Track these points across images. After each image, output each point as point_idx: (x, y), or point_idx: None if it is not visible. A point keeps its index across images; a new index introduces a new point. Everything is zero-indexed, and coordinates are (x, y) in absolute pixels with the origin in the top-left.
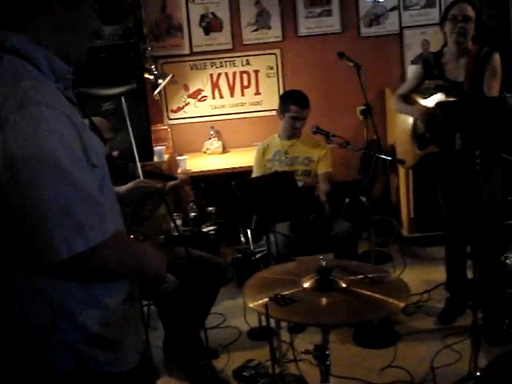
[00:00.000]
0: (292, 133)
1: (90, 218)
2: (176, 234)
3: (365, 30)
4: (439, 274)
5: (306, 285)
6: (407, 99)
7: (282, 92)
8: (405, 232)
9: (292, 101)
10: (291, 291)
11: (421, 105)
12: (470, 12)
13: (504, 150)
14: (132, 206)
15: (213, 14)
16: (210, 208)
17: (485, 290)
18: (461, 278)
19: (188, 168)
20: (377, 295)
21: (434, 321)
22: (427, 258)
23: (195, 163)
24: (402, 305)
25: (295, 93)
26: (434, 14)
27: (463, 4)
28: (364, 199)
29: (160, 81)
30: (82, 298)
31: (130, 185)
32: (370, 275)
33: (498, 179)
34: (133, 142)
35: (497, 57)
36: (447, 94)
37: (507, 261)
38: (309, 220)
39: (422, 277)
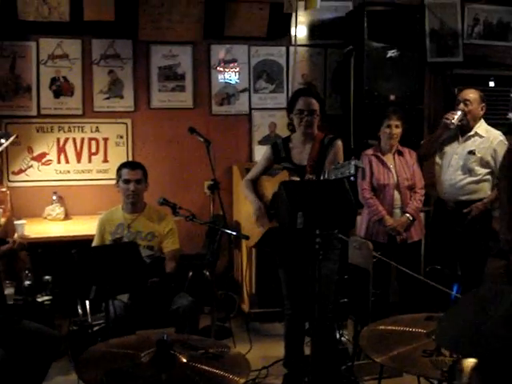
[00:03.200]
0: (129, 201)
1: None
2: (9, 302)
3: (216, 108)
4: (278, 349)
5: (146, 359)
6: (257, 181)
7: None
8: (246, 307)
9: (122, 166)
10: (129, 366)
11: (258, 202)
12: (315, 105)
13: (340, 231)
14: None
15: (64, 78)
16: (47, 277)
17: (321, 367)
18: (298, 354)
19: (26, 233)
20: (217, 371)
21: None
22: (267, 333)
23: (34, 229)
24: (241, 381)
25: (127, 161)
26: (281, 99)
27: (308, 98)
28: (207, 273)
29: (2, 140)
30: None
31: None
32: (210, 350)
33: (335, 261)
34: None
35: (339, 144)
36: (291, 177)
37: (342, 338)
38: (150, 292)
39: (261, 353)
